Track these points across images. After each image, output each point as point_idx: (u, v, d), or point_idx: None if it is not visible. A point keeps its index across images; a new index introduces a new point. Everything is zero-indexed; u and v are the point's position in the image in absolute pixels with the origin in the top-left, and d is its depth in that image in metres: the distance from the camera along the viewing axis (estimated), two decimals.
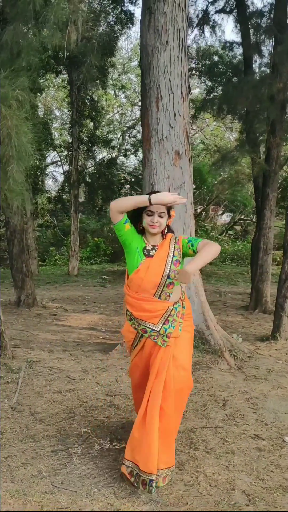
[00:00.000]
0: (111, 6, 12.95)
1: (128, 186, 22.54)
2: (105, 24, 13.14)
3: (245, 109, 8.86)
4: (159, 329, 2.73)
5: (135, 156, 22.83)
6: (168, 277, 2.70)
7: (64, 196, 20.87)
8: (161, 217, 2.70)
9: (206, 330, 5.46)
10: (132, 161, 24.91)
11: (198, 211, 22.43)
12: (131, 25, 13.25)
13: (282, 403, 4.23)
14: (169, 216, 2.79)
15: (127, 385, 4.55)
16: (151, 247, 2.77)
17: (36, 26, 4.24)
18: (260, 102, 7.95)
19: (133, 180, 22.44)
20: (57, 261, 18.54)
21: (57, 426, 3.64)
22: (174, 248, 2.77)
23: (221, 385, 4.61)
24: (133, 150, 21.57)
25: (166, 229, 2.81)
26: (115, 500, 2.66)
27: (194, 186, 19.13)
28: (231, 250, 20.05)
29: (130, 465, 2.78)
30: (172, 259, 2.73)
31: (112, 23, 13.07)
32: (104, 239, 20.42)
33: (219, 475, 2.96)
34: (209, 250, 2.60)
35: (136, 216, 2.77)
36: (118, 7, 12.89)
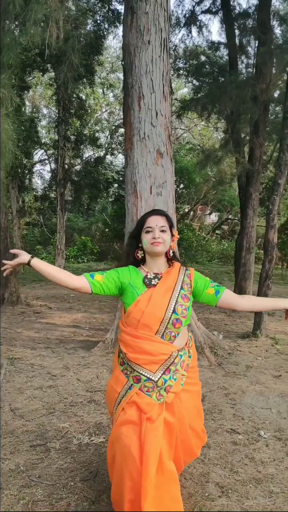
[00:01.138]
0: (99, 5, 12.95)
1: (116, 185, 22.56)
2: (92, 22, 13.15)
3: (229, 109, 8.95)
4: (157, 379, 2.17)
5: (123, 155, 22.86)
6: (175, 312, 2.19)
7: (51, 195, 20.85)
8: (163, 231, 2.26)
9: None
10: (120, 160, 24.94)
11: (186, 210, 22.54)
12: (118, 24, 13.28)
13: (260, 398, 4.31)
14: (172, 235, 2.34)
15: (108, 382, 4.59)
16: (154, 275, 2.28)
17: (22, 24, 4.24)
18: (244, 102, 8.04)
19: (121, 179, 22.46)
20: (43, 259, 18.51)
21: (36, 422, 3.67)
22: (183, 280, 2.29)
23: (201, 381, 4.66)
24: (120, 149, 21.61)
25: (171, 252, 2.35)
26: (91, 493, 2.70)
27: (182, 186, 19.24)
28: (217, 249, 20.20)
29: None
30: (179, 291, 2.24)
31: (99, 21, 13.07)
32: (91, 237, 20.44)
33: (194, 468, 3.02)
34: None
35: (133, 240, 2.38)
36: (105, 5, 12.90)
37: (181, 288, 2.27)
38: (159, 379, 2.18)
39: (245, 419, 3.82)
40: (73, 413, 3.86)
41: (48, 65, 14.11)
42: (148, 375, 2.18)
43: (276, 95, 10.21)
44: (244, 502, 2.66)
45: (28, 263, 2.16)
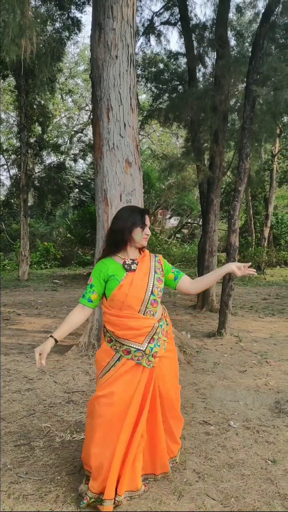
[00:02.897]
0: (58, 12, 13.06)
1: (77, 190, 22.58)
2: (53, 30, 13.23)
3: (190, 118, 9.30)
4: (144, 348, 2.55)
5: (83, 160, 22.93)
6: (152, 293, 2.58)
7: (11, 200, 20.59)
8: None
9: None
10: (80, 165, 24.98)
11: None
12: (78, 31, 13.46)
13: (228, 392, 4.61)
14: None
15: (84, 383, 4.77)
16: (131, 261, 2.63)
17: None
18: (204, 112, 8.40)
19: (81, 184, 22.52)
20: (5, 266, 18.30)
21: (18, 423, 3.80)
22: (155, 266, 2.68)
23: None
24: (81, 155, 21.67)
25: None
26: (78, 484, 2.87)
27: (143, 191, 19.53)
28: (179, 252, 20.60)
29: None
30: (154, 275, 2.63)
31: (60, 29, 13.17)
32: (54, 243, 20.35)
33: None
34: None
35: (123, 232, 2.60)
36: (65, 13, 13.03)
37: (155, 272, 2.66)
38: (146, 348, 2.56)
39: (215, 412, 4.10)
40: (53, 413, 4.01)
41: (8, 71, 14.09)
42: (136, 346, 2.55)
43: (231, 102, 10.66)
44: (219, 485, 2.91)
45: (56, 342, 2.60)
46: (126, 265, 2.60)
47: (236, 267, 2.64)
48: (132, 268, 2.60)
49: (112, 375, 2.56)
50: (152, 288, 2.59)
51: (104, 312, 2.65)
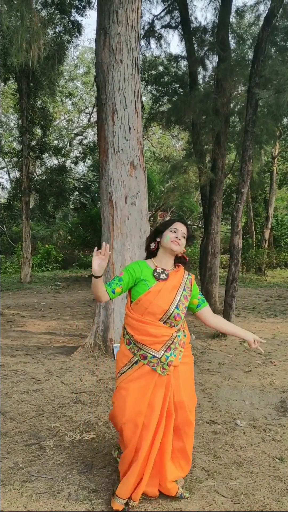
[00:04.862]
0: (59, 16, 13.13)
1: (77, 192, 22.64)
2: (54, 33, 13.31)
3: (192, 121, 9.37)
4: (160, 356, 2.58)
5: (83, 162, 22.98)
6: (177, 307, 2.59)
7: (12, 203, 20.64)
8: (183, 237, 2.67)
9: None
10: (80, 168, 25.04)
11: None
12: (78, 35, 13.55)
13: (233, 392, 4.66)
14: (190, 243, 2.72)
15: (91, 383, 4.81)
16: (162, 270, 2.66)
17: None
18: (206, 115, 8.47)
19: (81, 186, 22.58)
20: (7, 268, 18.34)
21: (27, 423, 3.84)
22: (185, 283, 2.69)
23: None
24: (81, 157, 21.73)
25: (180, 255, 2.75)
26: (89, 483, 2.92)
27: None
28: None
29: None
30: (182, 291, 2.65)
31: (61, 33, 13.25)
32: (54, 245, 20.40)
33: None
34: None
35: (155, 234, 2.76)
36: (65, 17, 13.11)
37: (184, 289, 2.67)
38: (162, 356, 2.58)
39: (222, 411, 4.15)
40: (62, 413, 4.05)
41: (9, 74, 14.16)
42: (153, 353, 2.59)
43: (231, 105, 10.73)
44: (228, 482, 2.95)
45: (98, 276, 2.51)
46: (155, 273, 2.64)
47: (254, 340, 2.77)
48: (161, 277, 2.63)
49: (127, 377, 2.63)
50: (178, 302, 2.61)
51: (126, 315, 2.70)
